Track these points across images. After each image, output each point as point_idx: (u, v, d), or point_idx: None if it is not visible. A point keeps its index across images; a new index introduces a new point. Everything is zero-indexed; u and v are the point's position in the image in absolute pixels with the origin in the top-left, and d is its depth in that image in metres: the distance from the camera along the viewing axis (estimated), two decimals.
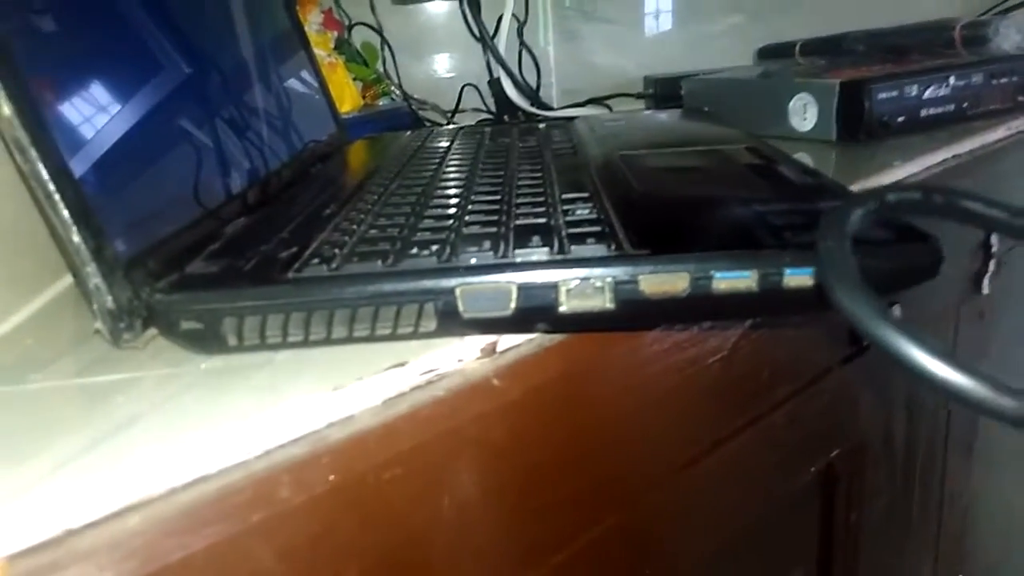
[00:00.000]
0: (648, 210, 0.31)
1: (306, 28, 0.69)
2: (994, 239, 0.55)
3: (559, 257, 0.27)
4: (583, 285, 0.26)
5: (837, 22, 0.73)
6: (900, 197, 0.24)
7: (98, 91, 0.30)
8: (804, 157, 0.53)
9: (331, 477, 0.23)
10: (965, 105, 0.55)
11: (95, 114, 0.29)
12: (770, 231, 0.27)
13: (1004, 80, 0.57)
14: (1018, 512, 0.77)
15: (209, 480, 0.21)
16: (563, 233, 0.29)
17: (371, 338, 0.26)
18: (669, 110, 0.66)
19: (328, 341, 0.26)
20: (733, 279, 0.25)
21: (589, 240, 0.28)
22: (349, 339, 0.26)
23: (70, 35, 0.30)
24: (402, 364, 0.25)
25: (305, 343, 0.26)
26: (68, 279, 0.33)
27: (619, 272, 0.26)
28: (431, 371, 0.26)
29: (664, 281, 0.26)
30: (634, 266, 0.26)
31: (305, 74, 0.57)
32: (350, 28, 0.75)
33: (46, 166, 0.25)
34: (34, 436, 0.22)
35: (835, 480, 0.47)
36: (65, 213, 0.25)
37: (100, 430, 0.22)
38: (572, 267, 0.26)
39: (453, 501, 0.26)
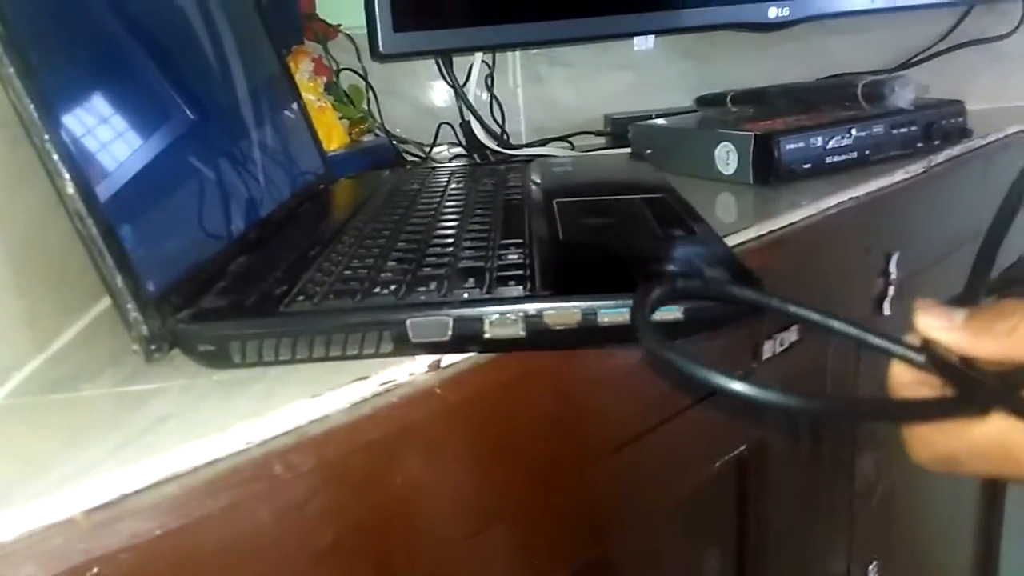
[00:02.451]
0: (563, 256, 0.40)
1: (297, 75, 0.78)
2: (892, 266, 0.64)
3: (486, 296, 0.35)
4: (502, 319, 0.34)
5: (771, 69, 0.82)
6: (686, 283, 0.32)
7: (130, 159, 0.38)
8: (726, 197, 0.62)
9: (312, 460, 0.31)
10: (867, 152, 0.64)
11: (127, 181, 0.37)
12: (649, 277, 0.36)
13: (904, 130, 0.66)
14: (939, 503, 0.85)
15: (222, 461, 0.29)
16: (493, 276, 0.37)
17: (342, 357, 0.35)
18: (618, 150, 0.75)
19: (310, 360, 0.35)
20: (613, 314, 0.34)
21: (511, 282, 0.36)
22: (326, 358, 0.35)
23: (106, 119, 0.38)
24: (365, 377, 0.34)
25: (292, 361, 0.35)
26: (103, 303, 0.41)
27: (529, 308, 0.34)
28: (388, 382, 0.34)
29: (562, 316, 0.34)
30: (540, 304, 0.34)
31: (295, 121, 0.66)
32: (338, 73, 0.84)
33: (99, 230, 0.33)
34: (92, 430, 0.31)
35: (746, 473, 0.55)
36: (111, 263, 0.33)
37: (140, 426, 0.30)
38: (495, 304, 0.34)
39: (404, 480, 0.34)
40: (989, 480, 0.93)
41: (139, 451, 0.28)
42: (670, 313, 0.33)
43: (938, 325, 0.27)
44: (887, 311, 0.65)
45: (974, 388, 0.27)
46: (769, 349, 0.52)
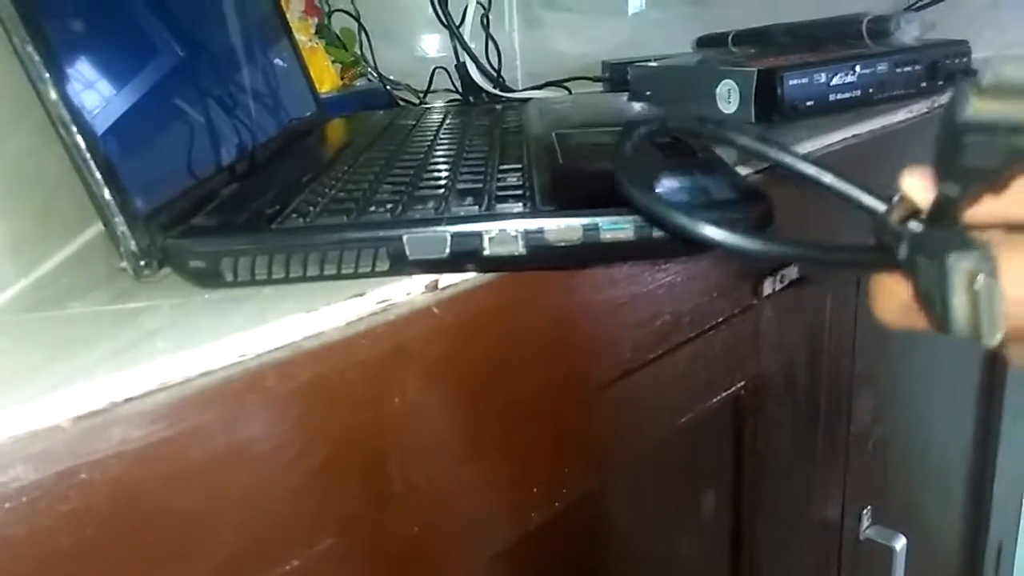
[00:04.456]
0: (563, 178, 0.39)
1: (288, 15, 0.76)
2: (893, 203, 0.63)
3: (485, 213, 0.34)
4: (502, 235, 0.33)
5: (775, 12, 0.80)
6: (680, 122, 0.31)
7: (118, 78, 0.37)
8: None
9: (305, 376, 0.30)
10: (871, 91, 0.63)
11: (117, 97, 0.36)
12: (652, 191, 0.35)
13: (908, 68, 0.65)
14: (933, 451, 0.86)
15: (215, 372, 0.28)
16: (492, 195, 0.36)
17: (338, 276, 0.34)
18: (618, 93, 0.74)
19: (304, 278, 0.34)
20: (615, 230, 0.33)
21: (510, 200, 0.35)
22: (320, 277, 0.34)
23: (96, 33, 0.36)
24: (361, 294, 0.33)
25: (286, 280, 0.34)
26: (94, 229, 0.40)
27: (530, 225, 0.33)
28: (384, 301, 0.33)
29: (563, 232, 0.33)
30: (541, 220, 0.33)
31: (287, 59, 0.64)
32: (329, 15, 0.82)
33: (84, 139, 0.32)
34: (80, 343, 0.30)
35: (743, 413, 0.55)
36: (99, 176, 0.32)
37: (130, 339, 0.30)
38: (494, 220, 0.33)
39: (400, 399, 0.33)
40: (983, 431, 0.93)
41: (128, 361, 0.28)
42: (621, 232, 0.32)
43: (919, 184, 0.26)
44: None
45: (896, 239, 0.25)
46: (769, 286, 0.52)
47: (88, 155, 0.32)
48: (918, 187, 0.26)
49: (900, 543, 0.71)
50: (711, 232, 0.25)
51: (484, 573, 0.41)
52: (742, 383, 0.53)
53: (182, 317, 0.32)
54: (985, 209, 0.25)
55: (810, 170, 0.28)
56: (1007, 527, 1.14)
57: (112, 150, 0.34)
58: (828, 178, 0.28)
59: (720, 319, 0.49)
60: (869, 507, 0.72)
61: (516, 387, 0.39)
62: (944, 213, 0.24)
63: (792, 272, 0.54)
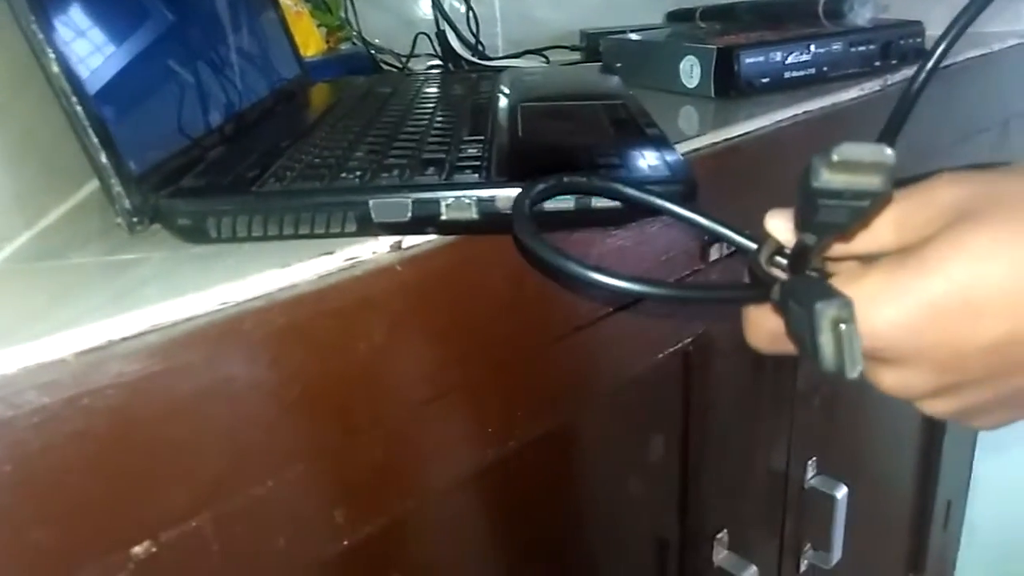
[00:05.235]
0: (520, 151, 0.43)
1: None
2: None
3: (444, 182, 0.38)
4: (457, 202, 0.37)
5: None
6: (572, 178, 0.36)
7: (113, 47, 0.40)
8: (687, 109, 0.64)
9: (280, 322, 0.34)
10: (825, 69, 0.67)
11: (111, 65, 0.40)
12: (594, 169, 0.39)
13: (863, 48, 0.68)
14: (885, 409, 0.91)
15: (200, 317, 0.32)
16: (453, 165, 0.40)
17: (311, 236, 0.38)
18: (590, 64, 0.77)
19: (281, 237, 0.38)
20: (558, 201, 0.37)
21: (468, 171, 0.39)
22: (295, 236, 0.38)
23: (92, 9, 0.40)
24: (331, 252, 0.37)
25: (264, 238, 0.38)
26: (92, 184, 0.44)
27: (483, 193, 0.37)
28: (352, 258, 0.38)
29: (513, 201, 0.37)
30: (493, 190, 0.37)
31: (272, 23, 0.67)
32: None
33: (82, 106, 0.35)
34: (80, 290, 0.34)
35: (690, 366, 0.60)
36: (96, 140, 0.36)
37: (126, 286, 0.34)
38: (451, 189, 0.37)
39: (366, 346, 0.38)
40: None
41: (123, 306, 0.32)
42: (563, 202, 0.37)
43: (782, 226, 0.31)
44: None
45: (769, 280, 0.31)
46: (716, 252, 0.56)
47: (87, 122, 0.36)
48: (781, 227, 0.31)
49: (842, 492, 0.76)
50: (599, 278, 0.30)
51: (443, 503, 0.45)
52: (690, 340, 0.57)
53: (171, 268, 0.36)
54: (839, 248, 0.32)
55: (690, 216, 0.35)
56: (957, 487, 1.20)
57: (108, 116, 0.37)
58: (704, 221, 0.33)
59: (668, 281, 0.53)
60: (815, 458, 0.78)
61: (472, 338, 0.43)
62: (804, 257, 0.31)
63: None
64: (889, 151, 0.25)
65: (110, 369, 0.30)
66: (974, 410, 0.32)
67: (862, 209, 0.27)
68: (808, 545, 0.81)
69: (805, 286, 0.30)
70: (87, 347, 0.30)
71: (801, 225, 0.30)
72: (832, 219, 0.28)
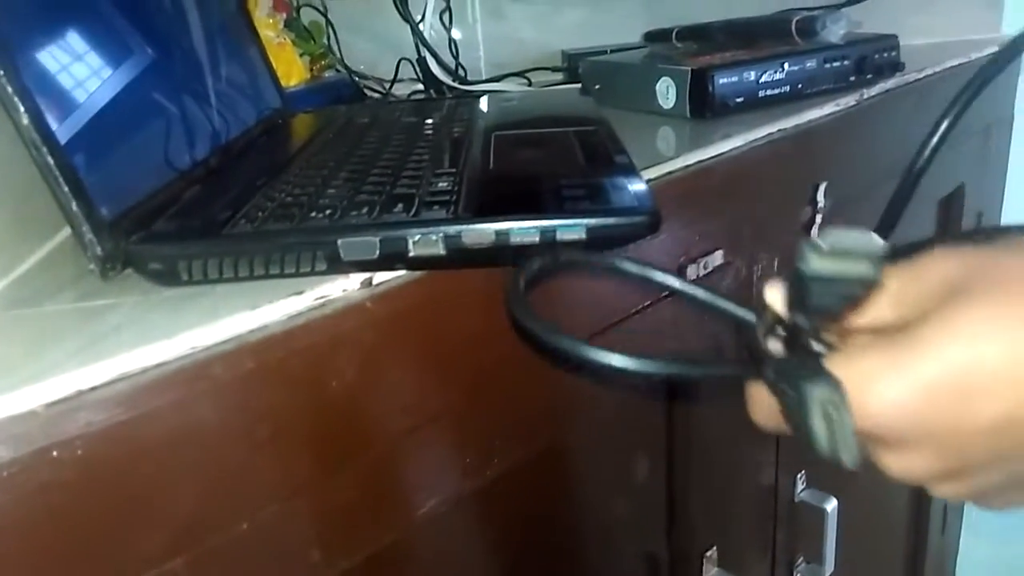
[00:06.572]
0: (488, 184, 0.43)
1: (257, 12, 0.79)
2: (820, 195, 0.68)
3: (412, 219, 0.39)
4: (424, 238, 0.38)
5: (727, 2, 0.84)
6: (568, 256, 0.36)
7: (84, 93, 0.41)
8: (664, 130, 0.65)
9: (249, 364, 0.35)
10: (800, 86, 0.67)
11: (82, 112, 0.40)
12: (560, 202, 0.39)
13: (836, 64, 0.69)
14: None
15: (169, 363, 0.33)
16: (422, 201, 0.41)
17: (282, 275, 0.38)
18: (570, 86, 0.78)
19: (251, 277, 0.38)
20: (523, 235, 0.37)
21: (436, 207, 0.40)
22: (266, 276, 0.38)
23: (61, 48, 0.41)
24: (300, 292, 0.37)
25: (235, 279, 0.38)
26: (65, 231, 0.45)
27: (449, 230, 0.38)
28: (323, 297, 0.38)
29: (478, 236, 0.38)
30: (460, 226, 0.38)
31: (252, 56, 0.68)
32: (298, 9, 0.85)
33: (53, 157, 0.36)
34: (54, 338, 0.34)
35: (672, 389, 0.60)
36: (67, 189, 0.37)
37: (97, 333, 0.34)
38: (419, 226, 0.38)
39: (339, 383, 0.38)
40: None
41: (94, 355, 0.32)
42: (528, 236, 0.37)
43: (780, 298, 0.31)
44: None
45: (764, 359, 0.31)
46: (693, 271, 0.56)
47: (57, 172, 0.36)
48: (779, 300, 0.31)
49: (832, 505, 0.76)
50: (596, 355, 0.30)
51: (423, 535, 0.46)
52: None
53: (142, 314, 0.36)
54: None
55: (687, 289, 0.35)
56: None
57: (79, 164, 0.38)
58: (701, 294, 0.34)
59: (644, 304, 0.54)
60: (803, 472, 0.78)
61: (444, 370, 0.43)
62: (798, 338, 0.31)
63: (716, 259, 0.58)
64: (879, 240, 0.26)
65: (79, 419, 0.30)
66: (986, 493, 0.31)
67: (853, 296, 0.27)
68: (801, 559, 0.81)
69: (796, 367, 0.29)
70: (57, 398, 0.31)
71: (794, 306, 0.30)
72: (824, 303, 0.28)
